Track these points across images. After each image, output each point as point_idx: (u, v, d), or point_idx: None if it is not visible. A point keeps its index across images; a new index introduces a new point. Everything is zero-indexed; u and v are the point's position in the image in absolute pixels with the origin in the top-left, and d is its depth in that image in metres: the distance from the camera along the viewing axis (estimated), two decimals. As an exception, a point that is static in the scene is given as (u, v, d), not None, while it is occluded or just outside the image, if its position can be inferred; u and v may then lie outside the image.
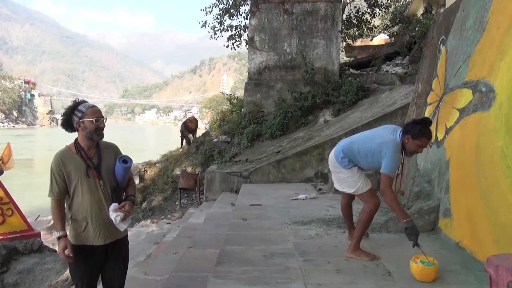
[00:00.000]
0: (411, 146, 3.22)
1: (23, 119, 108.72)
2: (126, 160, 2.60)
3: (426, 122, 3.29)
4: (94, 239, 2.52)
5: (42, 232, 7.57)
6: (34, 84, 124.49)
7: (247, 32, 11.67)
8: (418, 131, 3.17)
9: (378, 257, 3.36)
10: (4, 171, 6.39)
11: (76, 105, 2.55)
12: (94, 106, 2.57)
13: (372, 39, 16.18)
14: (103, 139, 2.63)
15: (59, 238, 2.49)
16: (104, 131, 2.58)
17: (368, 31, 14.07)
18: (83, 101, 2.60)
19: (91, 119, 2.49)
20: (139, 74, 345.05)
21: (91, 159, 2.55)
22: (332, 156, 3.58)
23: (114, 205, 2.50)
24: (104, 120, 2.56)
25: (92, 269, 2.56)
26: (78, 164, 2.53)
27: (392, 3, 16.64)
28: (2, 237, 5.98)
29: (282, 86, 10.75)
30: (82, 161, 2.52)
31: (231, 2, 12.33)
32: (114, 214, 2.46)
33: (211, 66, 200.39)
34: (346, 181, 3.51)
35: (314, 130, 9.64)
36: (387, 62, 12.49)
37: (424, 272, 2.86)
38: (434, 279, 2.89)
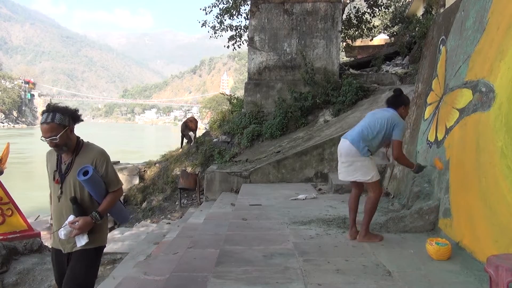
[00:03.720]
0: (404, 113, 3.86)
1: (23, 119, 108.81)
2: (87, 171, 2.40)
3: (401, 90, 3.93)
4: (57, 244, 2.51)
5: (42, 232, 7.56)
6: (34, 84, 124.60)
7: (247, 32, 11.67)
8: (407, 99, 3.89)
9: (382, 237, 3.80)
10: (4, 171, 6.39)
11: (43, 112, 2.42)
12: (44, 123, 2.35)
13: (372, 39, 16.18)
14: (90, 142, 2.56)
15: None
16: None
17: (368, 31, 14.07)
18: (48, 110, 2.39)
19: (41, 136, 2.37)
20: (139, 74, 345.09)
21: (64, 162, 2.47)
22: (348, 145, 3.69)
23: (70, 217, 2.38)
24: (56, 139, 2.35)
25: (61, 273, 2.53)
26: (53, 165, 2.50)
27: (392, 3, 16.63)
28: (2, 237, 5.97)
29: (282, 86, 10.75)
30: (55, 163, 2.48)
31: (231, 2, 12.33)
32: (61, 228, 2.36)
33: (211, 66, 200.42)
34: (362, 168, 3.67)
35: (314, 130, 9.64)
36: (387, 62, 12.50)
37: (439, 252, 3.26)
38: (449, 257, 3.28)
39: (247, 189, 7.34)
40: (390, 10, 17.20)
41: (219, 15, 12.41)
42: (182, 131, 11.93)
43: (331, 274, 3.05)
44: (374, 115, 3.81)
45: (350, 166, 3.73)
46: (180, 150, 11.66)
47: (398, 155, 3.69)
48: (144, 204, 10.23)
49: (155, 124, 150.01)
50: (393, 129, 3.64)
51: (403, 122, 3.75)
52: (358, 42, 16.14)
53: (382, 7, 13.96)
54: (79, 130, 2.55)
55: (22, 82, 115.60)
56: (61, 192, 2.45)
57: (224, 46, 13.01)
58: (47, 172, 2.58)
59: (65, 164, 2.47)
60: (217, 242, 4.29)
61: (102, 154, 2.54)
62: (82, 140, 2.56)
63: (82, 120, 2.54)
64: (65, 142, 2.38)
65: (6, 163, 6.46)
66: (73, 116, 2.45)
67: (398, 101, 3.81)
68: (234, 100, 12.87)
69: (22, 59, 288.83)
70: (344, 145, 3.77)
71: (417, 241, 3.76)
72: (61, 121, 2.35)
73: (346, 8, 13.53)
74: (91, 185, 2.43)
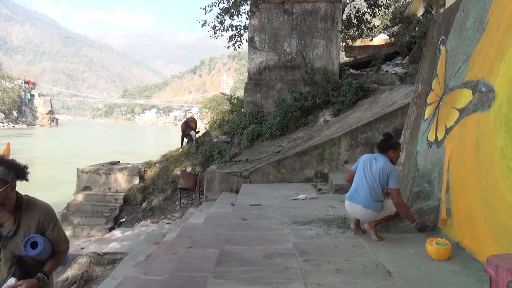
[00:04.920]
0: (396, 156, 4.03)
1: (23, 119, 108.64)
2: (36, 243, 2.07)
3: (391, 134, 4.11)
4: None
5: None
6: (34, 84, 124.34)
7: (247, 32, 11.68)
8: (396, 142, 4.01)
9: (382, 238, 3.87)
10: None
11: None
12: None
13: (372, 39, 16.19)
14: (31, 197, 2.22)
15: None
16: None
17: (368, 31, 14.08)
18: None
19: None
20: (139, 74, 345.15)
21: (1, 224, 2.10)
22: (362, 210, 3.85)
23: (10, 281, 2.07)
24: (11, 188, 2.03)
25: None
26: None
27: (392, 3, 16.66)
28: (2, 237, 5.97)
29: (282, 86, 10.75)
30: None
31: (231, 2, 12.35)
32: None
33: (211, 66, 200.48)
34: (383, 213, 3.89)
35: (314, 130, 9.64)
36: (387, 62, 12.50)
37: (439, 252, 3.27)
38: (449, 257, 3.29)
39: (247, 189, 7.34)
40: (390, 10, 17.22)
41: (219, 15, 12.43)
42: (182, 131, 11.94)
43: (331, 274, 3.05)
44: (370, 168, 3.88)
45: (369, 219, 3.95)
46: (180, 150, 11.66)
47: (398, 202, 3.80)
48: (144, 204, 10.23)
49: (155, 124, 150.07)
50: (389, 179, 3.81)
51: (396, 169, 3.93)
52: (358, 42, 16.15)
53: (382, 7, 13.96)
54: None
55: (22, 82, 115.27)
56: (5, 257, 2.10)
57: (224, 46, 13.03)
58: None
59: (1, 226, 2.10)
60: (217, 242, 4.30)
61: (49, 213, 2.20)
62: (21, 195, 2.20)
63: (27, 180, 2.18)
64: (1, 202, 2.03)
65: None
66: (19, 173, 2.12)
67: (386, 146, 3.96)
68: (234, 100, 12.88)
69: (22, 59, 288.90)
70: (357, 211, 3.92)
71: (417, 241, 3.76)
72: (3, 176, 2.02)
73: (346, 8, 13.54)
74: (40, 255, 2.13)
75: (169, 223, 8.06)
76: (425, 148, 4.72)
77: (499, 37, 3.49)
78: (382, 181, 3.82)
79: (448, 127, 4.17)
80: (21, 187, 2.21)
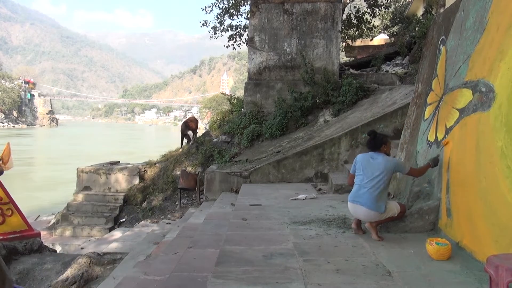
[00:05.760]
0: (388, 149, 4.10)
1: (23, 119, 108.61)
2: None
3: (375, 131, 4.18)
4: None
5: (42, 232, 7.57)
6: (34, 84, 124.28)
7: (247, 32, 11.68)
8: (384, 137, 4.12)
9: (383, 238, 3.88)
10: (4, 171, 6.39)
11: None
12: None
13: (372, 39, 16.19)
14: None
15: None
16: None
17: (368, 31, 14.08)
18: None
19: None
20: (139, 74, 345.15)
21: None
22: (365, 211, 3.85)
23: None
24: None
25: None
26: None
27: (392, 3, 16.65)
28: (2, 237, 5.97)
29: (282, 86, 10.75)
30: None
31: (231, 2, 12.35)
32: None
33: (211, 66, 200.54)
34: (385, 216, 3.91)
35: (314, 130, 9.64)
36: (387, 62, 12.50)
37: (439, 252, 3.28)
38: (449, 257, 3.29)
39: (247, 189, 7.34)
40: (390, 10, 17.22)
41: (219, 15, 12.45)
42: (182, 131, 11.94)
43: (331, 274, 3.05)
44: (370, 168, 3.88)
45: (375, 219, 3.93)
46: (180, 150, 11.65)
47: (419, 174, 4.17)
48: (144, 204, 10.23)
49: (155, 124, 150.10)
50: (397, 171, 3.98)
51: (395, 159, 4.23)
52: (358, 42, 16.15)
53: (382, 7, 13.96)
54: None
55: (22, 82, 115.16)
56: None
57: (224, 45, 13.04)
58: None
59: None
60: (217, 242, 4.29)
61: None
62: None
63: None
64: None
65: (13, 163, 6.44)
66: None
67: (378, 143, 4.02)
68: (234, 100, 12.88)
69: (22, 59, 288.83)
70: (360, 212, 3.91)
71: (417, 241, 3.76)
72: None
73: (346, 8, 13.54)
74: None
75: (169, 223, 8.06)
76: (425, 148, 4.72)
77: (499, 37, 3.49)
78: (387, 178, 3.82)
79: (448, 127, 4.17)
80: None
